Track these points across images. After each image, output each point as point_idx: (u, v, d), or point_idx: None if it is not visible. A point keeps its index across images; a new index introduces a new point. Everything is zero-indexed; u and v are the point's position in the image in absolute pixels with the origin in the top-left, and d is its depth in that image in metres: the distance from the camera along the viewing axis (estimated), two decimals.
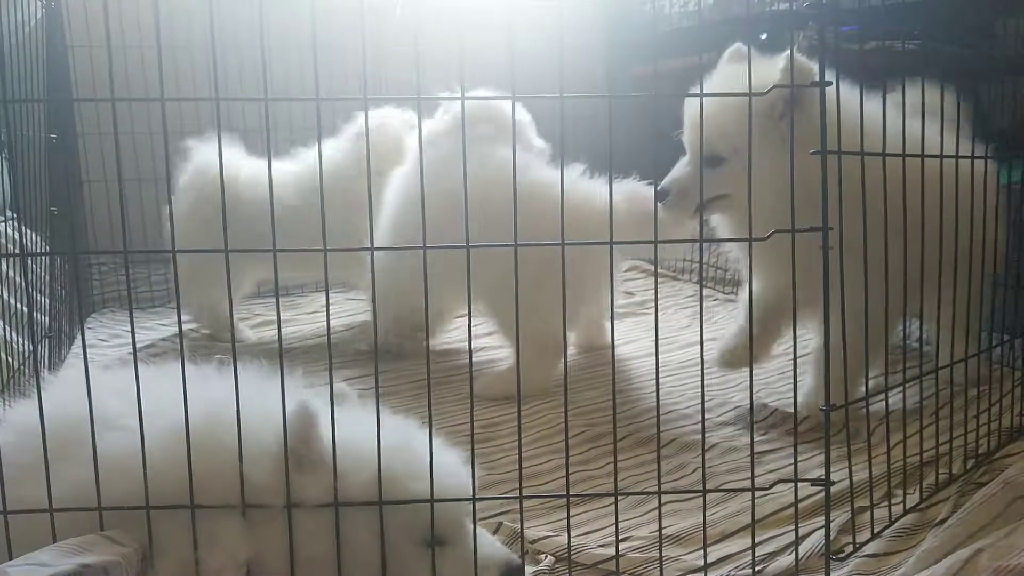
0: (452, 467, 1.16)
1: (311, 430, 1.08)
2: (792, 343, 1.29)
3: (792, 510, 1.33)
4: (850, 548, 1.36)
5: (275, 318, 1.17)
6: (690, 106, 1.77)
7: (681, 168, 1.84)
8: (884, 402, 1.48)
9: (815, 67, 1.21)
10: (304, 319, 2.98)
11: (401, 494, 1.10)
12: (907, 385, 1.70)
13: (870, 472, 1.43)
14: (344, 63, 1.90)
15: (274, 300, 1.24)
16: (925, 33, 1.66)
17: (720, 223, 1.92)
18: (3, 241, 2.18)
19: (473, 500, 1.14)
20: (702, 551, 1.30)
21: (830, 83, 1.19)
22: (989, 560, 1.24)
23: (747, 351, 1.59)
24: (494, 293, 2.09)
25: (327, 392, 1.15)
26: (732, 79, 1.28)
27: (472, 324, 1.28)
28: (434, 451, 1.13)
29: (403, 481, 1.10)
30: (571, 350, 2.38)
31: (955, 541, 1.31)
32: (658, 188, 1.77)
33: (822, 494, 1.23)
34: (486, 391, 2.12)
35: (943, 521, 1.38)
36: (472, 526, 1.16)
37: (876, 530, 1.40)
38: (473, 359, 2.35)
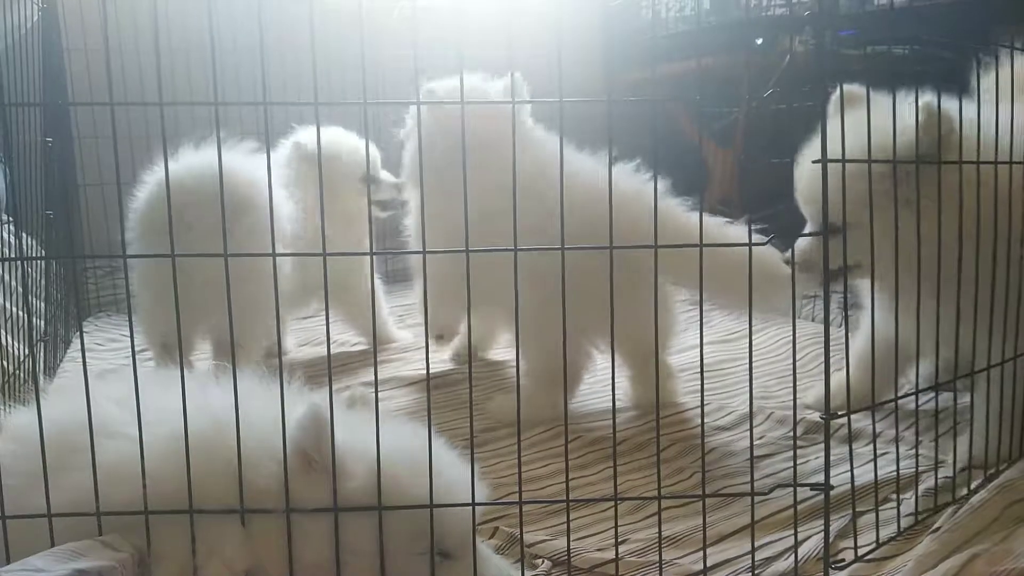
0: (463, 481, 1.14)
1: (323, 433, 1.08)
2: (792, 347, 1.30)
3: (791, 514, 1.33)
4: (848, 553, 1.36)
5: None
6: (802, 176, 1.67)
7: (804, 240, 1.73)
8: (883, 410, 1.48)
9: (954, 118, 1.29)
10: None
11: (408, 501, 1.10)
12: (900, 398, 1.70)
13: (876, 476, 1.43)
14: (341, 66, 1.90)
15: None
16: (921, 39, 1.67)
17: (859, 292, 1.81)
18: None
19: (472, 505, 1.13)
20: (701, 555, 1.30)
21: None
22: (985, 565, 1.24)
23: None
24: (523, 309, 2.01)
25: (342, 396, 1.15)
26: (852, 127, 1.26)
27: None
28: (447, 464, 1.13)
29: (409, 488, 1.10)
30: (629, 407, 2.16)
31: (951, 546, 1.32)
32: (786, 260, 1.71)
33: (821, 498, 1.23)
34: (498, 413, 2.06)
35: (940, 526, 1.38)
36: (484, 547, 1.16)
37: (873, 535, 1.40)
38: (492, 376, 2.36)
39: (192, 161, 2.09)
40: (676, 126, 3.51)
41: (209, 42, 1.04)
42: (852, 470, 1.38)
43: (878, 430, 1.77)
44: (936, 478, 1.54)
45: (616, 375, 2.01)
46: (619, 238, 1.15)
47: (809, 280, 1.67)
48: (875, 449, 1.44)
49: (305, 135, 2.52)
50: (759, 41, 3.04)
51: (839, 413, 1.24)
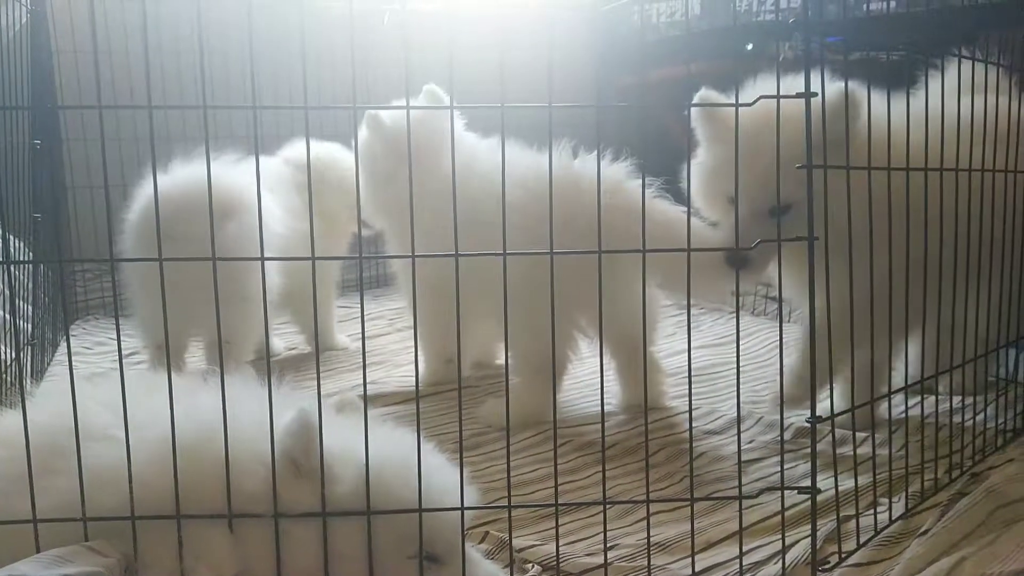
0: (452, 485, 1.14)
1: (312, 439, 1.08)
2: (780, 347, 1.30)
3: (779, 518, 1.34)
4: (835, 557, 1.37)
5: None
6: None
7: (745, 223, 1.59)
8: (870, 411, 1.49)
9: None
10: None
11: (396, 505, 1.10)
12: (892, 395, 1.71)
13: (856, 481, 1.43)
14: (332, 71, 1.90)
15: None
16: (909, 45, 1.68)
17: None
18: None
19: (462, 509, 1.13)
20: (689, 560, 1.30)
21: (815, 94, 1.20)
22: (973, 568, 1.25)
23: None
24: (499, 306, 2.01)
25: (333, 400, 1.14)
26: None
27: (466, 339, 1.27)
28: (436, 468, 1.13)
29: (399, 492, 1.10)
30: (618, 411, 2.15)
31: (939, 549, 1.32)
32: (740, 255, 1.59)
33: (808, 502, 1.24)
34: (489, 418, 2.06)
35: (927, 530, 1.39)
36: (473, 551, 1.16)
37: (861, 539, 1.41)
38: (485, 381, 2.35)
39: (178, 175, 2.11)
40: (666, 130, 3.52)
41: (198, 46, 1.04)
42: (836, 475, 1.38)
43: (868, 434, 1.78)
44: (923, 480, 1.55)
45: (605, 374, 2.02)
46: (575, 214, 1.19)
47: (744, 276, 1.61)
48: (855, 457, 1.45)
49: (300, 148, 2.57)
50: (749, 47, 3.06)
51: (823, 417, 1.25)
